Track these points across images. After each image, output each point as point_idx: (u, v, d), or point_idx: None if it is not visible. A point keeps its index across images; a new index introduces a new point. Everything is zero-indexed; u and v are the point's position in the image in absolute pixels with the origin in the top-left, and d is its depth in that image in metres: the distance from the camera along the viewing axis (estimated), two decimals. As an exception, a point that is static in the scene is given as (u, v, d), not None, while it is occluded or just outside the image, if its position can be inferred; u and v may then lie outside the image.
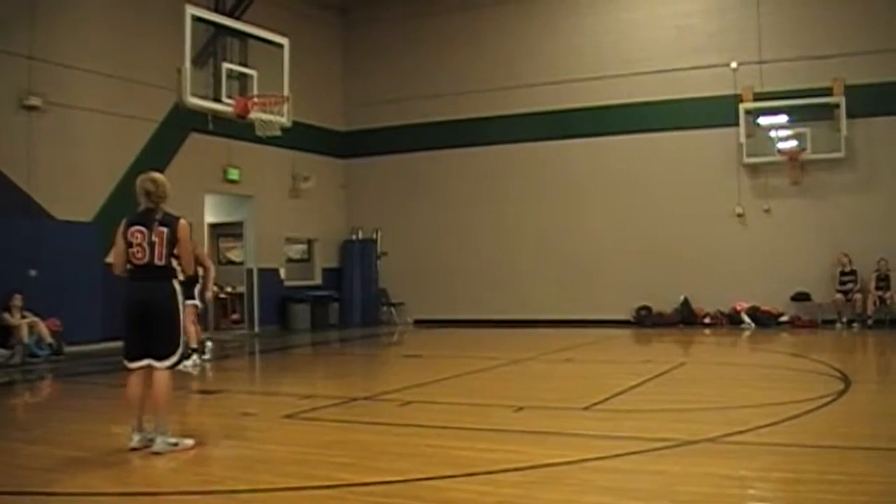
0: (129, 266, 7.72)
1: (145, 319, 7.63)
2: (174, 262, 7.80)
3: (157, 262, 7.64)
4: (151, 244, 7.63)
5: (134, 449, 7.46)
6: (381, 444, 7.90)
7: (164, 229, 7.68)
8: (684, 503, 5.72)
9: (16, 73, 16.99)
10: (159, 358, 7.66)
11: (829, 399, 9.63)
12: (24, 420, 10.88)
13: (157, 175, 7.85)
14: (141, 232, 7.64)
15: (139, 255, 7.63)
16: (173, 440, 7.54)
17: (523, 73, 24.29)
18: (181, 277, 7.92)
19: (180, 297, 7.79)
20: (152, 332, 7.64)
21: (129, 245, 7.65)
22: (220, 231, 25.16)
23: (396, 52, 26.11)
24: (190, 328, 13.79)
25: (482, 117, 24.76)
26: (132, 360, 7.73)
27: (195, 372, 13.70)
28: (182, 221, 7.87)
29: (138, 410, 7.65)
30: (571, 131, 23.71)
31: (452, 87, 25.09)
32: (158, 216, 7.72)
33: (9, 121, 16.88)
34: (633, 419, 9.03)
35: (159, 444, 7.44)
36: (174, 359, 7.74)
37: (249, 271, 23.33)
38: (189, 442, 7.66)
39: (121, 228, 7.74)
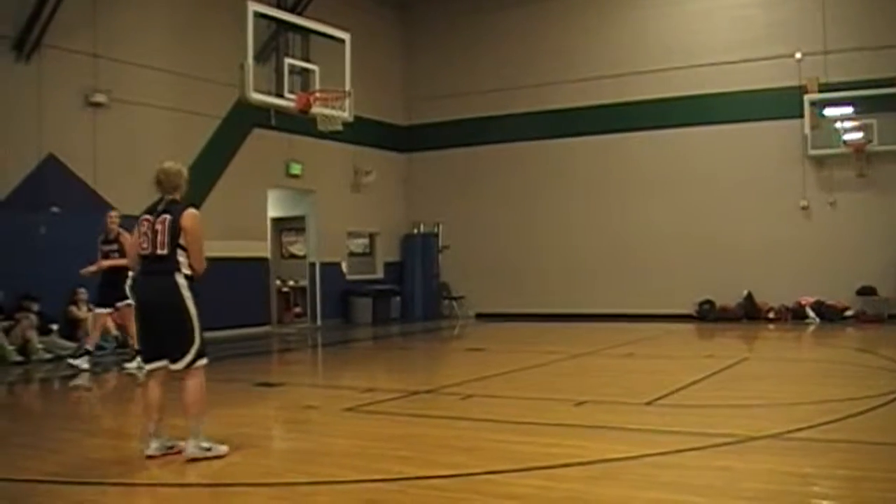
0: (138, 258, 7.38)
1: (152, 317, 7.22)
2: (180, 255, 7.19)
3: (158, 251, 7.14)
4: (154, 232, 7.18)
5: (151, 457, 7.03)
6: (442, 438, 7.92)
7: (167, 216, 7.20)
8: (747, 500, 5.68)
9: (81, 70, 17.23)
10: (172, 359, 7.17)
11: (894, 396, 9.48)
12: (89, 412, 11.06)
13: (169, 165, 7.50)
14: (147, 220, 7.26)
15: (144, 245, 7.23)
16: (206, 444, 7.09)
17: (583, 66, 24.15)
18: (187, 271, 7.23)
19: (187, 292, 7.18)
20: (160, 331, 7.18)
21: (139, 234, 7.33)
22: (283, 226, 25.32)
23: (456, 47, 26.11)
24: (130, 327, 13.55)
25: (542, 111, 24.67)
26: (147, 360, 7.38)
27: (140, 375, 12.55)
28: (190, 210, 7.33)
29: (155, 414, 7.18)
30: (633, 124, 23.56)
31: (513, 81, 25.02)
32: (165, 205, 7.31)
33: (75, 117, 17.14)
34: (695, 414, 8.97)
35: (191, 448, 7.03)
36: (189, 358, 7.13)
37: (312, 265, 23.47)
38: (223, 448, 7.17)
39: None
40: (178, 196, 7.38)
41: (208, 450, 7.05)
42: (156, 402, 7.19)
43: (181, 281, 7.17)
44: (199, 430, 7.09)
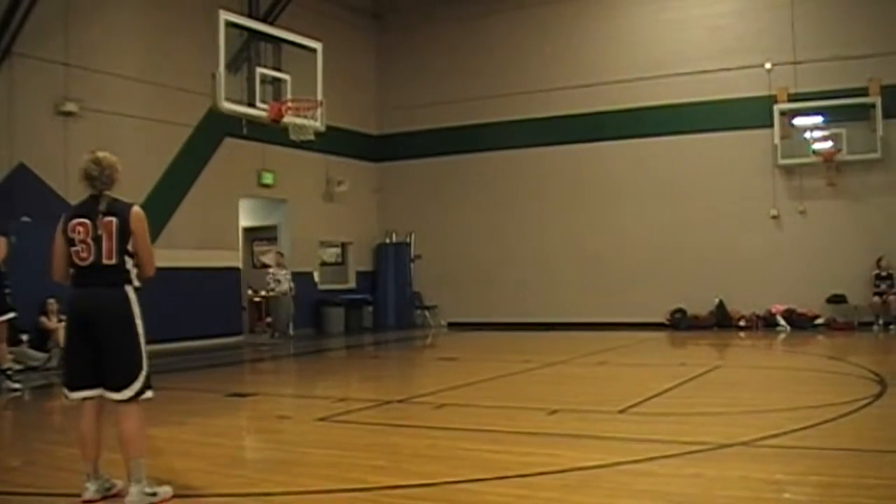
0: (72, 270, 6.20)
1: (93, 337, 6.07)
2: (129, 263, 6.19)
3: (105, 261, 6.09)
4: (97, 239, 6.08)
5: (89, 501, 6.03)
6: (415, 447, 7.91)
7: (113, 219, 6.12)
8: (719, 507, 5.71)
9: (52, 79, 17.15)
10: (116, 387, 6.07)
11: (865, 402, 9.54)
12: (61, 423, 10.97)
13: (102, 154, 6.30)
14: (84, 225, 6.12)
15: (83, 255, 6.09)
16: (150, 490, 6.04)
17: (556, 76, 24.24)
18: (137, 283, 6.25)
19: (138, 308, 6.18)
20: (103, 354, 6.06)
21: (71, 243, 6.12)
22: (255, 235, 25.26)
23: (429, 56, 26.14)
24: (2, 347, 12.58)
25: (515, 120, 24.74)
26: (75, 388, 6.18)
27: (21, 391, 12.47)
28: (136, 209, 6.26)
29: (92, 452, 6.13)
30: (606, 133, 23.66)
31: (486, 91, 25.07)
32: (104, 205, 6.18)
33: (45, 126, 17.05)
34: (667, 422, 9.00)
35: (134, 495, 5.96)
36: (137, 386, 6.09)
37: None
38: (168, 490, 6.16)
39: (60, 224, 6.25)
40: (111, 192, 6.28)
41: (153, 495, 6.04)
42: (93, 438, 6.16)
43: (132, 295, 6.20)
44: (142, 473, 6.06)
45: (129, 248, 6.18)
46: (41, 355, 15.46)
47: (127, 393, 6.07)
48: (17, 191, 16.40)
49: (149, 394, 6.20)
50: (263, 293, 23.58)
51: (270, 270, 22.59)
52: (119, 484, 6.21)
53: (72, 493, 6.14)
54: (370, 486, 6.35)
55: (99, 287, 6.13)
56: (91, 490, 6.05)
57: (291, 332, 22.40)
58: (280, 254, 22.71)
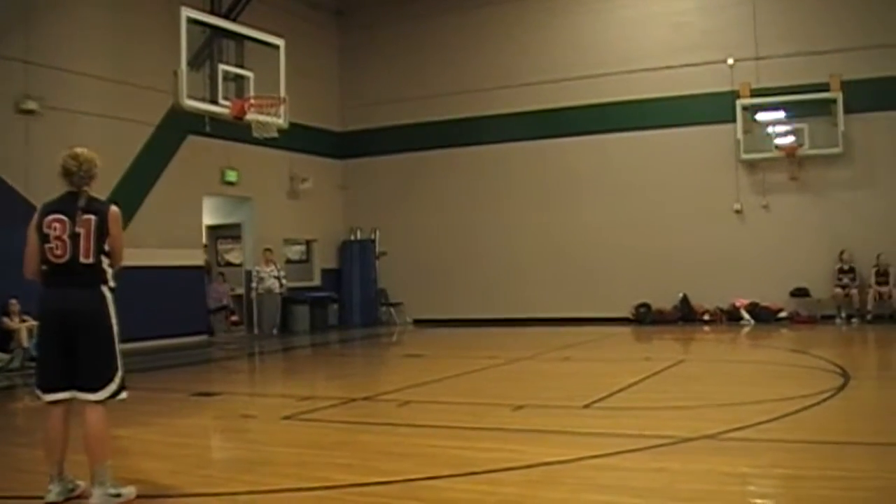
0: (44, 267, 6.09)
1: (68, 338, 5.96)
2: (105, 262, 6.12)
3: (82, 259, 6.00)
4: (74, 237, 5.99)
5: None
6: (381, 445, 7.90)
7: (92, 217, 6.06)
8: (685, 500, 5.72)
9: (12, 77, 16.98)
10: (90, 388, 6.01)
11: (828, 394, 9.63)
12: (25, 424, 10.88)
13: (80, 150, 6.28)
14: (60, 222, 6.02)
15: (58, 252, 5.99)
16: (114, 490, 5.95)
17: (520, 72, 24.27)
18: (112, 283, 6.18)
19: (113, 308, 6.12)
20: (78, 355, 5.98)
21: (45, 239, 6.02)
22: (219, 233, 25.14)
23: (393, 52, 26.09)
24: None
25: (479, 116, 24.74)
26: (49, 389, 6.09)
27: None
28: (114, 209, 6.23)
29: (58, 454, 6.04)
30: (569, 129, 23.68)
31: (450, 87, 25.06)
32: (83, 202, 6.11)
33: (5, 125, 16.87)
34: (632, 417, 9.02)
35: (98, 496, 5.87)
36: (112, 387, 6.06)
37: (248, 273, 23.29)
38: (132, 490, 6.07)
39: (34, 219, 6.16)
40: (90, 188, 6.23)
41: (117, 496, 5.95)
42: (60, 440, 6.08)
43: (108, 294, 6.14)
44: (106, 474, 5.97)
45: (106, 247, 6.12)
46: (3, 356, 15.32)
47: (102, 394, 6.03)
48: (-23, 190, 16.26)
49: (123, 394, 6.18)
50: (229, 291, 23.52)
51: (256, 268, 22.57)
52: (82, 485, 6.12)
53: (35, 495, 6.08)
54: (336, 484, 6.34)
55: (74, 287, 6.04)
56: (55, 492, 5.96)
57: (275, 331, 22.40)
58: (268, 250, 22.63)
